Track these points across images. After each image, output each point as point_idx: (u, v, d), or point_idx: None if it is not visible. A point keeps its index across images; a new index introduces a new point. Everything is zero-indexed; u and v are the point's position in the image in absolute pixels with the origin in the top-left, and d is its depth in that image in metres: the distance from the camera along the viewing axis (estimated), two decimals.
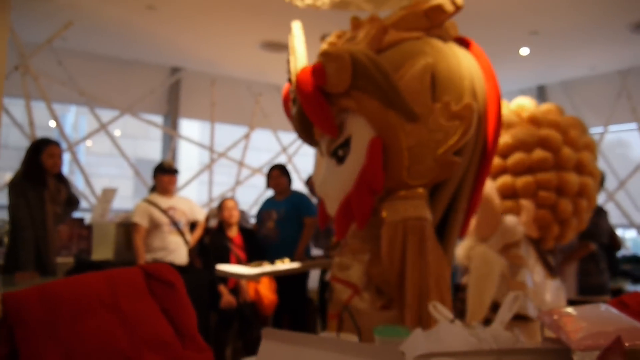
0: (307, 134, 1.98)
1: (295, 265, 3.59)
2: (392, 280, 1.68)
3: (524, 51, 5.99)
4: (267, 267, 3.41)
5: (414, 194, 1.70)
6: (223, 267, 3.34)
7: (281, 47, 5.98)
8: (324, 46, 1.93)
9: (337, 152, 1.85)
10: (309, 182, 5.10)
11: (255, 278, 3.63)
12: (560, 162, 2.28)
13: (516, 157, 2.17)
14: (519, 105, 2.45)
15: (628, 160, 7.43)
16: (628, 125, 6.93)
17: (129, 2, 4.94)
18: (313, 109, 1.78)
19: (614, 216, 6.66)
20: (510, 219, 2.22)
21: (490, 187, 2.20)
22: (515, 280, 2.30)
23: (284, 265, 3.57)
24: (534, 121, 2.32)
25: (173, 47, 6.24)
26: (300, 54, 1.90)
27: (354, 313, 1.58)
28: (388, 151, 1.70)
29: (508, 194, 2.20)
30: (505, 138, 2.20)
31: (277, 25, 5.30)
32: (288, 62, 1.93)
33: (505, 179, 2.17)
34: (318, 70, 1.72)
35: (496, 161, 2.18)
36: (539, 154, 2.21)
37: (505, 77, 6.20)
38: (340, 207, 1.81)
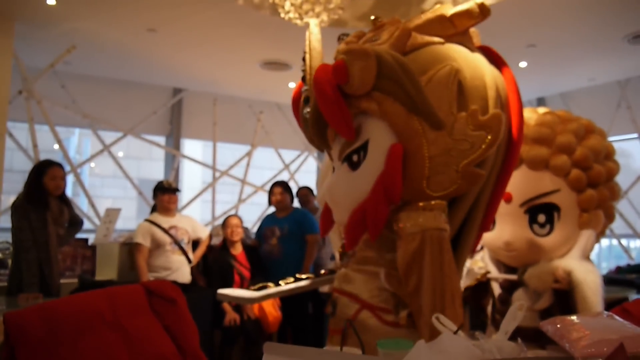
0: (320, 136, 1.84)
1: (301, 283, 3.54)
2: (405, 294, 1.61)
3: (522, 64, 6.03)
4: (271, 290, 3.34)
5: (432, 205, 1.61)
6: (225, 291, 3.28)
7: (281, 65, 6.04)
8: (343, 45, 1.78)
9: (351, 157, 1.72)
10: (299, 194, 5.17)
11: (260, 301, 3.57)
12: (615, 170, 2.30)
13: (597, 169, 2.16)
14: (563, 113, 2.40)
15: (630, 171, 7.42)
16: (629, 136, 6.93)
17: (130, 25, 5.01)
18: (331, 109, 1.64)
19: (617, 226, 6.66)
20: (589, 233, 2.18)
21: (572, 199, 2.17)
22: None
23: (290, 285, 3.50)
24: (591, 130, 2.31)
25: (174, 68, 6.31)
26: (317, 52, 1.81)
27: (361, 329, 1.52)
28: (408, 159, 1.60)
29: (588, 207, 2.17)
30: (581, 150, 2.17)
31: (277, 44, 5.36)
32: (303, 59, 1.82)
33: (590, 192, 2.15)
34: (340, 68, 1.58)
35: (578, 174, 2.14)
36: (609, 164, 2.22)
37: None
38: (352, 216, 1.69)
